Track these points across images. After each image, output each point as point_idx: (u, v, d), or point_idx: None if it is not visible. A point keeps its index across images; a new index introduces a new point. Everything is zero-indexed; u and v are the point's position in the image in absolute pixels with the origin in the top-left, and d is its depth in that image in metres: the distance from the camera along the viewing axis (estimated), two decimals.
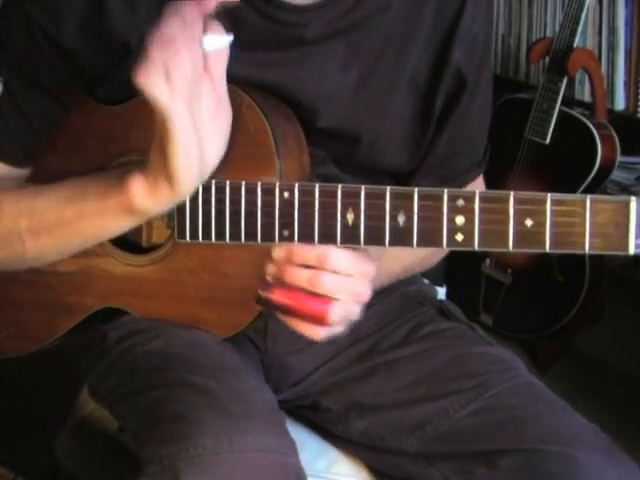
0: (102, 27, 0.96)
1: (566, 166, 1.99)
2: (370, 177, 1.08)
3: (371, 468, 1.14)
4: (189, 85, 0.82)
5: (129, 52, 0.97)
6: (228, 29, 0.98)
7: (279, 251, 0.92)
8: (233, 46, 0.97)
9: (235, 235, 0.97)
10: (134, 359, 1.05)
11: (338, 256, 0.90)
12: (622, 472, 0.96)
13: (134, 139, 1.02)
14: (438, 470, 1.04)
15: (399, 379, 1.09)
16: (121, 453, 1.12)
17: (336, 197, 0.92)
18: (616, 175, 2.05)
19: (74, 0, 0.96)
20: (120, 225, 0.94)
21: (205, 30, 0.83)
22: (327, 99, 1.02)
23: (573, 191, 1.95)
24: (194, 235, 0.99)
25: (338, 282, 0.90)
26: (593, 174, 1.93)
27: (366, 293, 0.92)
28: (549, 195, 0.86)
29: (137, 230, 1.08)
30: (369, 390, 1.11)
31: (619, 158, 1.97)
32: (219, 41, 0.84)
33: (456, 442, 1.03)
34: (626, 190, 2.16)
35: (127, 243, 1.08)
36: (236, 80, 0.97)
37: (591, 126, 1.93)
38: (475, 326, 1.19)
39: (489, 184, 1.20)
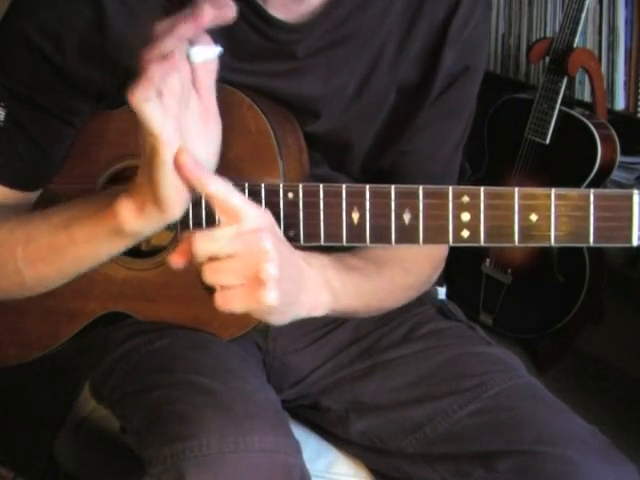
0: (104, 52, 0.96)
1: (566, 166, 1.99)
2: (365, 178, 1.09)
3: (371, 468, 1.14)
4: (178, 102, 0.80)
5: (133, 76, 0.98)
6: (224, 43, 0.98)
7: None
8: (228, 57, 0.98)
9: None
10: (138, 359, 1.05)
11: (203, 241, 0.83)
12: (620, 474, 0.96)
13: (132, 143, 1.02)
14: (436, 471, 1.04)
15: (398, 378, 1.10)
16: (121, 453, 1.12)
17: (341, 197, 0.92)
18: (616, 175, 2.05)
19: (75, 26, 0.95)
20: (114, 247, 0.92)
21: (193, 42, 0.80)
22: (320, 109, 1.03)
23: None
24: None
25: (214, 236, 0.84)
26: (593, 174, 1.93)
27: (267, 248, 0.82)
28: (553, 190, 0.87)
29: None
30: (369, 389, 1.11)
31: (619, 158, 1.97)
32: (208, 53, 0.82)
33: (454, 443, 1.03)
34: None
35: None
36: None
37: (591, 126, 1.93)
38: (475, 326, 1.19)
39: (489, 184, 1.20)
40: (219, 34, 0.98)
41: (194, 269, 1.02)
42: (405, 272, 1.09)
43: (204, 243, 0.83)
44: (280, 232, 0.89)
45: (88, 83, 0.98)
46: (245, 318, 1.03)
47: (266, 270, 0.82)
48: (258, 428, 0.92)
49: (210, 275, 0.84)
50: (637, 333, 2.16)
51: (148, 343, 1.06)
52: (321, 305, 0.95)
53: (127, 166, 1.04)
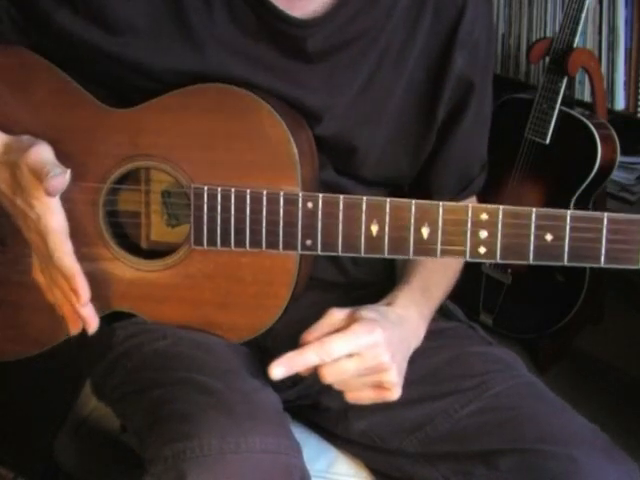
0: None
1: (566, 166, 1.99)
2: (369, 186, 1.09)
3: (371, 468, 1.14)
4: None
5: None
6: (236, 34, 0.98)
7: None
8: (240, 47, 0.98)
9: (255, 243, 0.98)
10: (139, 357, 1.05)
11: (332, 345, 0.94)
12: (622, 472, 0.97)
13: (144, 145, 1.02)
14: (438, 470, 1.04)
15: None
16: (121, 453, 1.12)
17: (360, 209, 0.94)
18: (616, 175, 2.05)
19: None
20: None
21: None
22: (326, 110, 1.03)
23: (573, 191, 1.95)
24: (212, 242, 0.99)
25: (341, 370, 0.96)
26: (593, 174, 1.93)
27: (384, 362, 0.96)
28: (569, 212, 0.90)
29: (135, 228, 1.08)
30: None
31: (619, 158, 1.97)
32: None
33: (456, 442, 1.03)
34: (626, 190, 2.16)
35: (126, 243, 1.08)
36: (241, 84, 0.98)
37: (591, 126, 1.93)
38: (475, 326, 1.19)
39: (489, 184, 1.21)
40: (224, 19, 0.98)
41: (211, 276, 1.03)
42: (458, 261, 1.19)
43: (333, 373, 0.96)
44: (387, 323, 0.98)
45: None
46: (255, 323, 1.04)
47: (389, 381, 0.97)
48: (259, 429, 0.92)
49: (336, 378, 0.97)
50: (637, 333, 2.16)
51: (151, 342, 1.06)
52: (421, 337, 1.07)
53: (138, 167, 1.03)
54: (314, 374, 1.14)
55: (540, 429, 1.00)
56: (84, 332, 1.10)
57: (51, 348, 1.11)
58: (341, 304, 1.15)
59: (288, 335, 1.16)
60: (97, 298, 1.06)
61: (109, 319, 1.10)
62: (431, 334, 1.14)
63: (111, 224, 1.06)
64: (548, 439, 0.98)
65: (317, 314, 1.14)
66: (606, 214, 0.89)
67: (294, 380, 1.16)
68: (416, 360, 1.10)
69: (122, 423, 1.13)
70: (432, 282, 1.12)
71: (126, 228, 1.08)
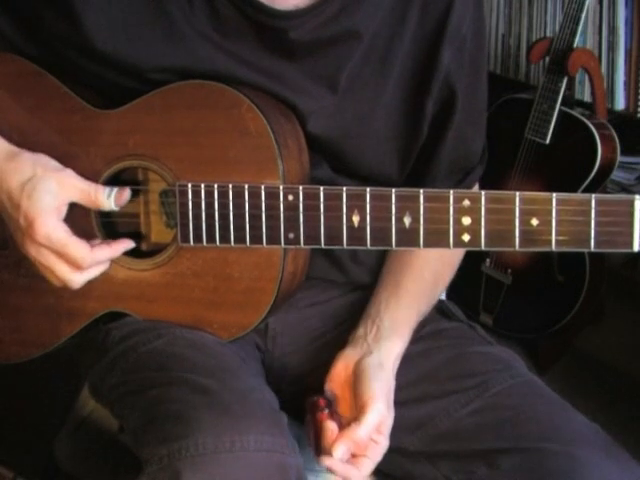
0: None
1: (566, 166, 1.99)
2: (366, 183, 1.09)
3: None
4: None
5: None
6: (218, 30, 0.98)
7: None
8: (216, 35, 0.98)
9: (240, 239, 0.98)
10: (136, 358, 1.05)
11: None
12: (623, 470, 0.96)
13: (132, 144, 1.02)
14: (439, 469, 1.04)
15: (400, 378, 1.09)
16: (120, 453, 1.12)
17: (341, 200, 0.93)
18: (616, 175, 2.05)
19: None
20: None
21: None
22: (311, 108, 1.03)
23: (573, 191, 1.95)
24: (198, 239, 0.99)
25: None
26: (593, 174, 1.93)
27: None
28: (554, 195, 0.87)
29: (133, 229, 1.08)
30: None
31: (619, 158, 1.97)
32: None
33: (457, 441, 1.03)
34: (626, 190, 2.16)
35: None
36: (223, 77, 0.97)
37: (591, 126, 1.93)
38: (475, 325, 1.19)
39: (489, 184, 1.21)
40: (205, 14, 0.98)
41: (199, 274, 1.03)
42: (444, 266, 1.17)
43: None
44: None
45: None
46: (244, 320, 1.04)
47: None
48: (254, 428, 0.91)
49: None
50: (637, 333, 2.16)
51: (146, 342, 1.06)
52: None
53: (127, 167, 1.04)
54: (314, 376, 1.14)
55: (541, 428, 1.00)
56: (82, 333, 1.10)
57: (51, 349, 1.11)
58: (340, 304, 1.16)
59: (287, 335, 1.16)
60: (93, 299, 1.06)
61: (104, 320, 1.10)
62: (431, 334, 1.15)
63: (104, 224, 1.06)
64: (549, 438, 0.98)
65: (316, 314, 1.14)
66: (594, 195, 0.87)
67: (294, 380, 1.16)
68: (416, 360, 1.11)
69: (120, 423, 1.13)
70: (423, 300, 1.14)
71: (122, 228, 1.08)
